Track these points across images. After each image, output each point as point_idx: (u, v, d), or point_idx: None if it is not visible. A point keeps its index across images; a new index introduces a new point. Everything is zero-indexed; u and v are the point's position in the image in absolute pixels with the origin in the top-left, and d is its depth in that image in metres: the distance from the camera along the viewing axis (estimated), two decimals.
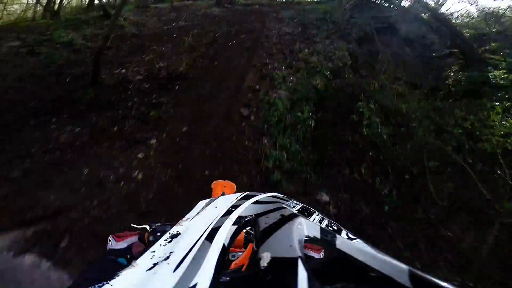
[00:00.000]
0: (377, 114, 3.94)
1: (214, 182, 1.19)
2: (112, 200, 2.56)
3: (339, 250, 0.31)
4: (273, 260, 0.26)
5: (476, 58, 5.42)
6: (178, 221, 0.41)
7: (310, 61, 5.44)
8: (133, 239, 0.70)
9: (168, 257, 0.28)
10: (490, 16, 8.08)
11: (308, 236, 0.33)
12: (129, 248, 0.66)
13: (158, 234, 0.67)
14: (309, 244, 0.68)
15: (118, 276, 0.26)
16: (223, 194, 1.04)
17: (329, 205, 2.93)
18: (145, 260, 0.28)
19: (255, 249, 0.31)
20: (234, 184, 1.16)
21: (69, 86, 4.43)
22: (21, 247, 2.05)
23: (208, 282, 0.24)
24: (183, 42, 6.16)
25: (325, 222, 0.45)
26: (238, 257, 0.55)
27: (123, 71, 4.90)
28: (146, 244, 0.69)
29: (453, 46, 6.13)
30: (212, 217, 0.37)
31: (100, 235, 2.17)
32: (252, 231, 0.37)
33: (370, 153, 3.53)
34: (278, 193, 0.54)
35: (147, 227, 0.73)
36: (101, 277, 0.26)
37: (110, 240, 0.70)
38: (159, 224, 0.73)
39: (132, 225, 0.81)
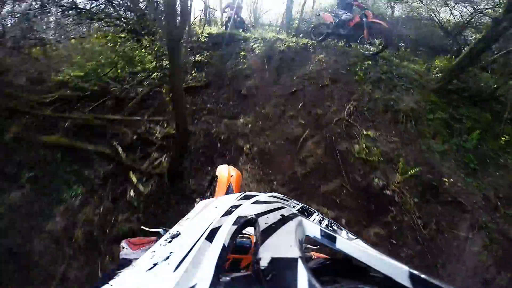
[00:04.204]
0: None
1: (219, 167, 0.98)
2: None
3: (339, 250, 0.31)
4: (273, 260, 0.26)
5: None
6: (178, 221, 0.41)
7: None
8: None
9: (168, 257, 0.28)
10: None
11: (308, 236, 0.33)
12: None
13: None
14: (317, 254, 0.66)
15: (118, 276, 0.26)
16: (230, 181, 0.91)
17: None
18: (145, 260, 0.28)
19: (255, 249, 0.31)
20: (239, 172, 0.97)
21: None
22: None
23: (208, 282, 0.24)
24: None
25: (325, 222, 0.45)
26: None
27: None
28: None
29: None
30: (212, 217, 0.37)
31: None
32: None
33: None
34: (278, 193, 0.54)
35: (161, 231, 0.64)
36: None
37: (124, 247, 0.60)
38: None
39: (142, 227, 0.72)
